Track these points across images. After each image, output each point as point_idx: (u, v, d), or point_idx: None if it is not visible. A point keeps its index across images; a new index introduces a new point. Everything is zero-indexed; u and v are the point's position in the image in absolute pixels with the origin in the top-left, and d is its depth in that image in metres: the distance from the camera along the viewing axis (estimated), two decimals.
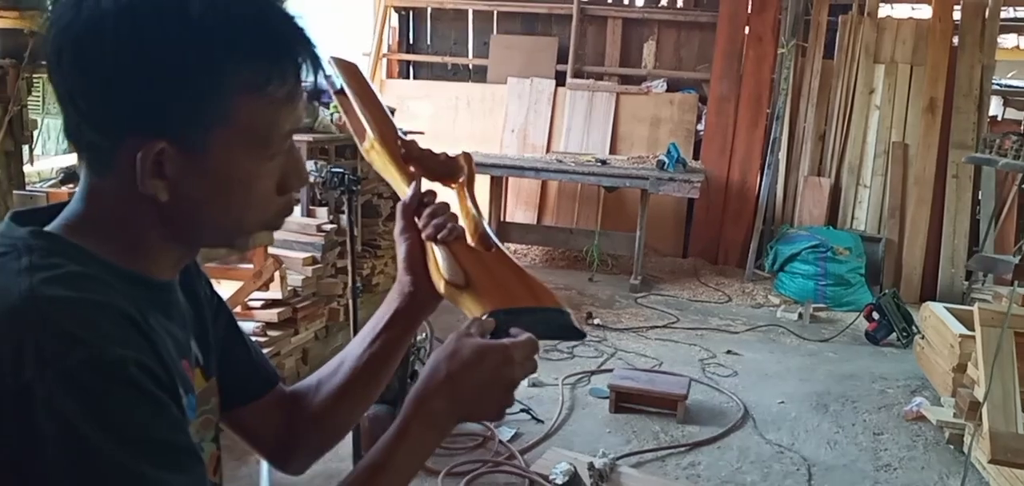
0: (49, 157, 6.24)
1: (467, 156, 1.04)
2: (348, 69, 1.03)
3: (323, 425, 1.05)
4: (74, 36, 0.70)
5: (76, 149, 0.76)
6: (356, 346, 1.03)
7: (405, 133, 1.05)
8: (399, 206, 0.99)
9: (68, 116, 0.74)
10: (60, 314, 0.67)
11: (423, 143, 1.05)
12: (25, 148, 3.05)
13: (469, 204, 1.00)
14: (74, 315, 0.67)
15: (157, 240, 0.78)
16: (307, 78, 0.78)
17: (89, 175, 0.76)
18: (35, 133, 3.24)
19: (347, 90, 1.02)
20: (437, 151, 1.04)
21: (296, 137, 0.85)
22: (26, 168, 3.19)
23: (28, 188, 3.20)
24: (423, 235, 0.96)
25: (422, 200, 0.98)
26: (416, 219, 0.98)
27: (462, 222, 0.97)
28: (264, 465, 2.42)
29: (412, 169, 1.00)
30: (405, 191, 0.99)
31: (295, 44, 0.76)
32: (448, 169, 1.03)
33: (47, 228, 0.76)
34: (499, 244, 0.97)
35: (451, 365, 0.83)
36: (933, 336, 4.03)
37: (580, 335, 0.94)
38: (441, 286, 0.92)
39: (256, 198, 0.79)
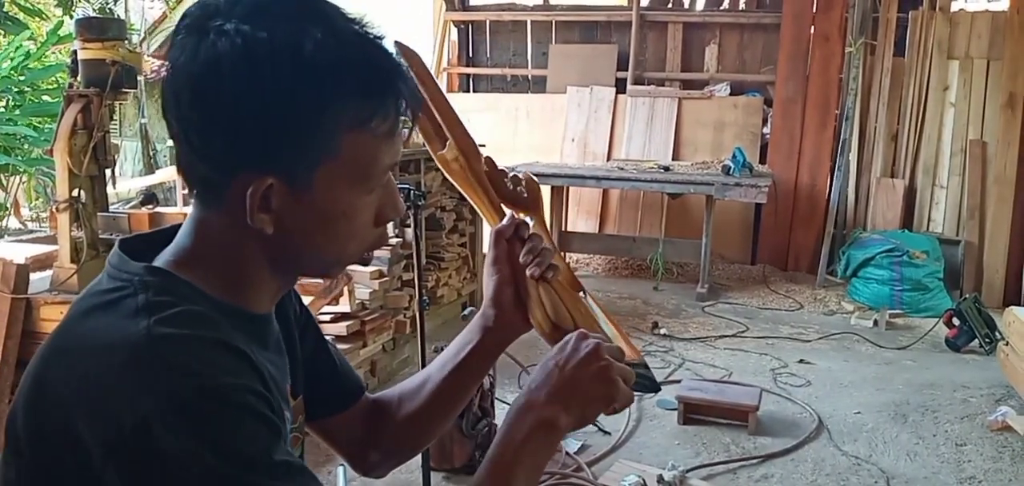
0: (125, 178, 6.50)
1: (531, 180, 1.02)
2: (411, 58, 0.92)
3: (404, 439, 1.09)
4: (192, 77, 0.73)
5: (188, 183, 0.80)
6: (437, 369, 1.06)
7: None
8: (493, 232, 0.99)
9: (182, 152, 0.77)
10: (175, 350, 0.70)
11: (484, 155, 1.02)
12: (108, 172, 3.18)
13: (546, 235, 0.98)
14: (188, 350, 0.70)
15: (259, 273, 0.81)
16: (406, 113, 0.80)
17: (199, 209, 0.80)
18: (117, 157, 3.38)
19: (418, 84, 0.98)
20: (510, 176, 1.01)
21: None
22: (108, 190, 3.32)
23: (111, 210, 3.34)
24: (527, 272, 0.95)
25: (518, 229, 0.97)
26: (510, 249, 0.97)
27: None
28: (341, 472, 2.51)
29: (502, 205, 0.98)
30: (487, 213, 0.98)
31: (396, 81, 0.78)
32: (520, 199, 1.00)
33: (157, 262, 0.79)
34: (583, 286, 0.97)
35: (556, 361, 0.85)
36: (1018, 342, 3.85)
37: (656, 388, 0.93)
38: (544, 326, 0.91)
39: (356, 230, 0.82)
